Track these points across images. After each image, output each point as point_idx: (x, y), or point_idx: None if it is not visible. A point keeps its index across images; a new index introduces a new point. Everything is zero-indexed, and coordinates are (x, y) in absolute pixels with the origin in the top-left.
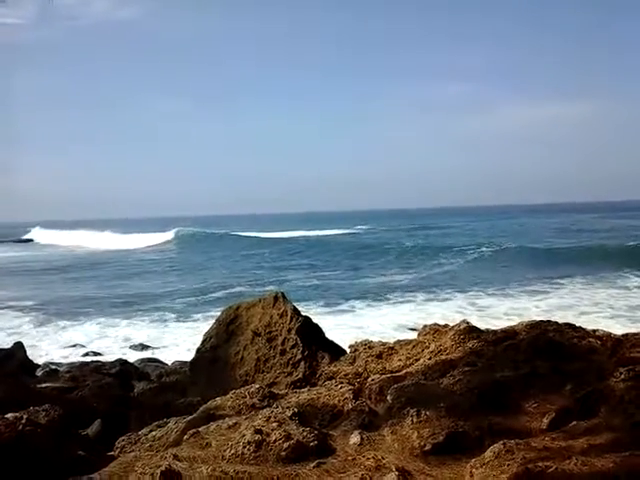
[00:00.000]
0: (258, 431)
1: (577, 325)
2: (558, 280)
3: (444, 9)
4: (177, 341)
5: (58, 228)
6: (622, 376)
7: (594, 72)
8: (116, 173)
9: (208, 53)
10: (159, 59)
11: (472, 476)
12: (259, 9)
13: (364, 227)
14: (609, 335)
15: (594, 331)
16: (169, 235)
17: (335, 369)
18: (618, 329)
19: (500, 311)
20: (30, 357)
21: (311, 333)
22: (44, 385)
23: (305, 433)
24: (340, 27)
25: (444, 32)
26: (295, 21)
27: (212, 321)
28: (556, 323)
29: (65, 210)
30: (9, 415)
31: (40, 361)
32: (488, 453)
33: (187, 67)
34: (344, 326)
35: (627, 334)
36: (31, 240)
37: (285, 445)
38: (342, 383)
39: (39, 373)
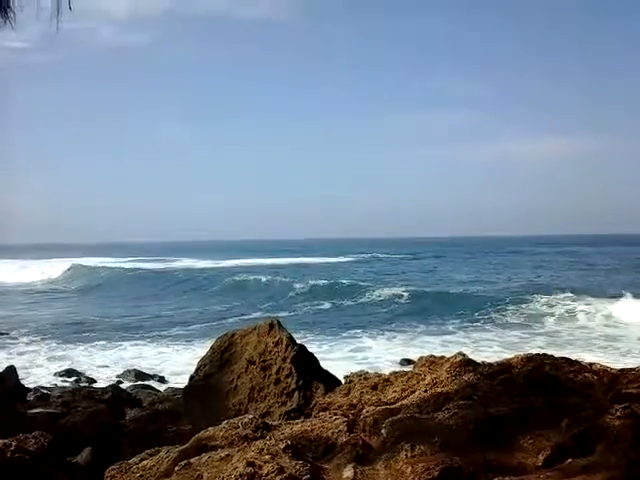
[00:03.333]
0: (250, 464)
1: (573, 359)
2: (553, 313)
3: (446, 34)
4: (171, 367)
5: None
6: (618, 413)
7: (602, 106)
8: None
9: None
10: (156, 83)
11: None
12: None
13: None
14: (605, 370)
15: (590, 365)
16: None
17: (329, 400)
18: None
19: (493, 344)
20: (21, 381)
21: (306, 362)
22: (35, 410)
23: (298, 466)
24: (341, 49)
25: (444, 58)
26: (303, 44)
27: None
28: (552, 357)
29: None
30: None
31: (32, 385)
32: None
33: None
34: (339, 357)
35: (624, 369)
36: None
37: (277, 479)
38: (336, 415)
39: (30, 397)
